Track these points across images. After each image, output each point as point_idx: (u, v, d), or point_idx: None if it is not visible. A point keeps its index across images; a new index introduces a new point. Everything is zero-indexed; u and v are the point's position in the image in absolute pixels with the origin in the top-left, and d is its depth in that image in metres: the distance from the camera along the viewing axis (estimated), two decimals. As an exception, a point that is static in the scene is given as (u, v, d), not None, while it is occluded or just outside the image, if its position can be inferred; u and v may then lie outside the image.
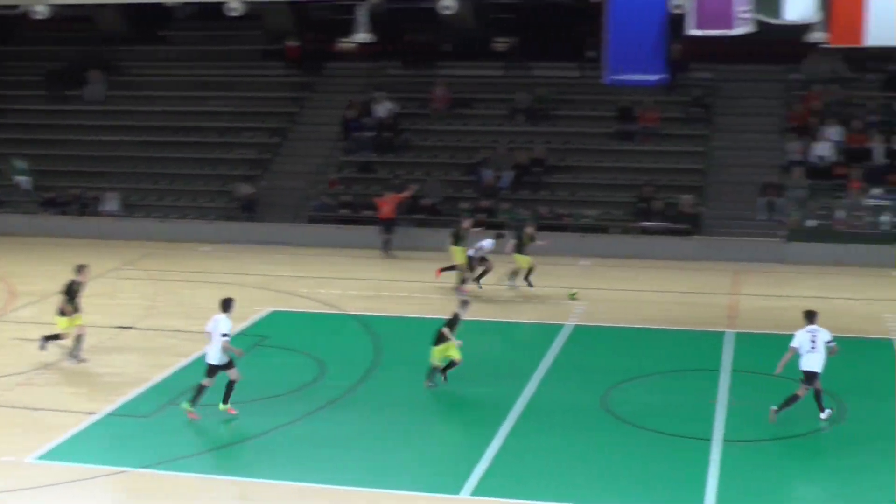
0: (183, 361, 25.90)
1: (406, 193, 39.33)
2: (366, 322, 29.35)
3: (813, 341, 21.98)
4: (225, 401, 22.25)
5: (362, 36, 37.30)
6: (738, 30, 29.74)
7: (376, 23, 38.43)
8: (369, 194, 41.50)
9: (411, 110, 45.69)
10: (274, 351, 26.75)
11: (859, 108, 42.59)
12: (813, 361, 22.00)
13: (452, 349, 23.68)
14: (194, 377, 24.50)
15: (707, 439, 21.00)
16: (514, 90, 44.99)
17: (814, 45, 33.96)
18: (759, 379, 24.64)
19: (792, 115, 42.43)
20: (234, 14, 37.36)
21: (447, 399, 23.43)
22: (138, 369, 25.35)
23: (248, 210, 41.86)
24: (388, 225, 38.72)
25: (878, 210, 37.61)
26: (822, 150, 40.27)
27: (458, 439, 21.21)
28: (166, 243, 40.27)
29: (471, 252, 33.06)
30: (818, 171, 39.98)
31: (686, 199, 39.07)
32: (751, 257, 37.04)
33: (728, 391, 23.81)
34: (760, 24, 29.77)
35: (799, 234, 37.64)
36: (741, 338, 27.89)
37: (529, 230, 33.77)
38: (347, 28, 42.58)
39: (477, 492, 18.83)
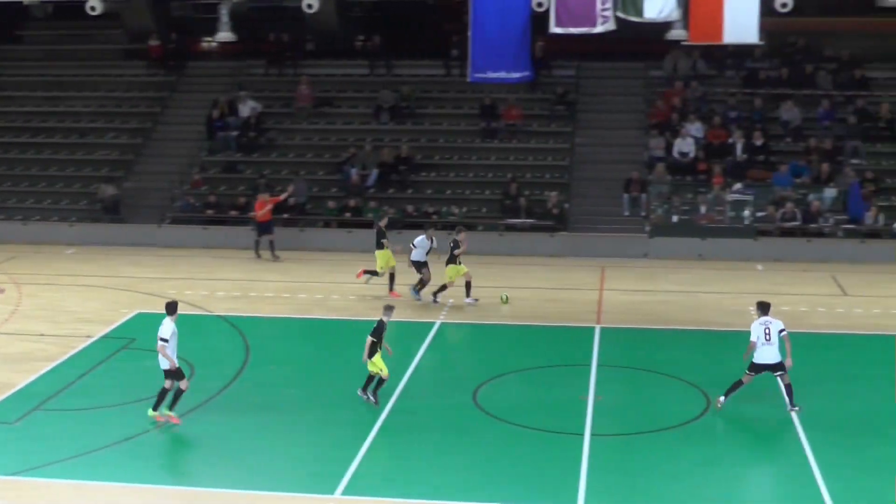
0: (49, 366, 25.40)
1: (283, 196, 38.85)
2: (234, 323, 29.10)
3: (767, 333, 22.25)
4: (155, 406, 21.84)
5: (224, 35, 36.85)
6: (600, 28, 30.10)
7: (239, 21, 38.06)
8: (235, 194, 41.17)
9: (276, 109, 45.43)
10: (142, 354, 26.32)
11: (719, 104, 43.36)
12: (766, 354, 22.27)
13: (380, 362, 22.87)
14: (60, 381, 24.16)
15: (580, 434, 21.20)
16: (378, 88, 44.96)
17: (674, 43, 34.47)
18: (625, 373, 24.97)
19: (653, 111, 43.04)
20: (94, 13, 36.69)
21: (319, 399, 23.32)
22: (2, 375, 24.79)
23: (113, 211, 41.23)
24: (265, 227, 37.82)
25: (740, 205, 38.29)
26: (684, 146, 40.92)
27: (331, 439, 21.09)
28: (30, 246, 39.47)
29: (415, 256, 31.77)
30: (681, 167, 40.64)
31: (551, 196, 39.38)
32: (616, 253, 37.49)
33: (596, 386, 24.04)
34: (622, 21, 30.17)
35: (662, 230, 38.20)
36: (608, 333, 28.19)
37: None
38: (209, 27, 42.25)
39: (348, 491, 18.80)
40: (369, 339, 22.66)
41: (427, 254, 31.68)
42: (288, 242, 38.79)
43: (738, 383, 22.37)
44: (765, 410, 22.69)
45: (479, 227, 39.17)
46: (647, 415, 22.21)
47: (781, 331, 22.38)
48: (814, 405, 22.83)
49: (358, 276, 32.47)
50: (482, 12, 30.32)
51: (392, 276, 32.37)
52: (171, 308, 22.12)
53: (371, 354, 22.62)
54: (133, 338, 27.59)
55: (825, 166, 39.32)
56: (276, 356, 26.30)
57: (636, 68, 45.75)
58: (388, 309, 23.39)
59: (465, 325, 29.40)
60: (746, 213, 38.25)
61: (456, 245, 31.10)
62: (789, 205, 38.11)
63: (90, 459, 20.18)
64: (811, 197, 38.49)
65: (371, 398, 22.75)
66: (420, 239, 31.84)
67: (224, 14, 36.39)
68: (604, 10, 29.84)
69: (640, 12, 29.88)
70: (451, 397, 23.35)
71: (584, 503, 18.38)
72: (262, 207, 37.61)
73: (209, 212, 40.49)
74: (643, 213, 39.41)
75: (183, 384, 21.80)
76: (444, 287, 31.18)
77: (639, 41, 42.91)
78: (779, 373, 22.39)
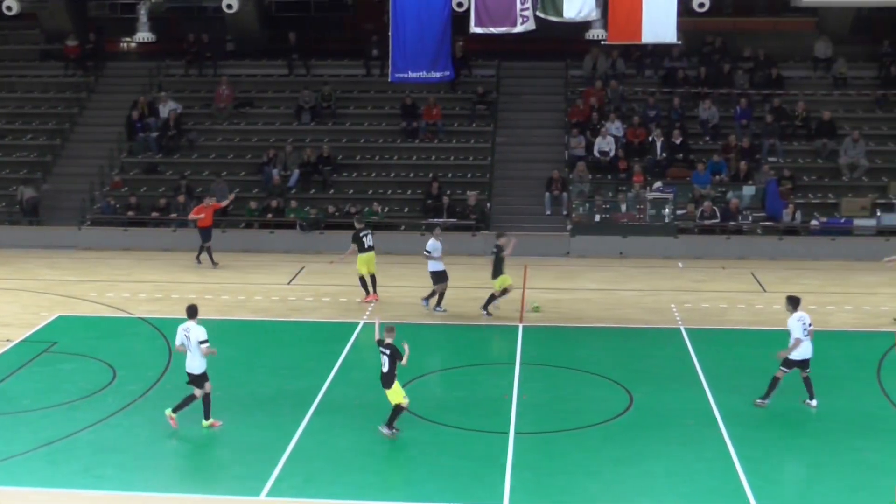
0: (-35, 371, 25.12)
1: (226, 202, 38.20)
2: (156, 325, 28.90)
3: (805, 328, 22.62)
4: (176, 409, 21.69)
5: (143, 35, 36.62)
6: (520, 28, 30.28)
7: (157, 21, 37.83)
8: (155, 195, 40.86)
9: (196, 110, 45.16)
10: (63, 357, 26.12)
11: (639, 103, 43.73)
12: (806, 349, 22.64)
13: (401, 390, 21.45)
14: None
15: (504, 433, 21.31)
16: (299, 89, 44.84)
17: (594, 42, 34.71)
18: (548, 371, 25.13)
19: (573, 110, 43.29)
20: (10, 13, 36.31)
21: (242, 401, 23.23)
22: (-81, 381, 24.50)
23: (31, 214, 40.76)
24: (207, 233, 36.58)
25: (660, 203, 38.60)
26: (605, 145, 41.19)
27: (255, 441, 21.03)
28: (-55, 249, 38.99)
29: (435, 266, 30.49)
30: (601, 166, 40.92)
31: (471, 195, 39.48)
32: (538, 251, 37.64)
33: (519, 384, 24.16)
34: (541, 21, 30.36)
35: (584, 228, 38.43)
36: (530, 331, 28.34)
37: None
38: (128, 27, 41.95)
39: (272, 493, 18.78)
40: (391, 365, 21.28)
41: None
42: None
43: (775, 381, 22.73)
44: (687, 405, 22.94)
45: (401, 227, 39.22)
46: (570, 413, 22.38)
47: (810, 325, 22.81)
48: (734, 401, 23.15)
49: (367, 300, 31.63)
50: (402, 12, 30.39)
51: (371, 278, 31.71)
52: (193, 311, 21.95)
53: (392, 383, 21.36)
54: (54, 341, 27.32)
55: (743, 164, 39.77)
56: (199, 358, 26.13)
57: (556, 68, 46.02)
58: (391, 330, 21.57)
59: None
60: (666, 211, 38.56)
61: (500, 250, 30.29)
62: (708, 203, 38.50)
63: (7, 465, 19.96)
64: (730, 195, 38.90)
65: (393, 430, 21.30)
66: (431, 243, 30.59)
67: (143, 14, 36.21)
68: (523, 10, 30.01)
69: (559, 12, 30.09)
70: (374, 397, 23.32)
71: (509, 502, 18.48)
72: (205, 212, 36.36)
73: (130, 213, 40.15)
74: (564, 212, 39.64)
75: (198, 392, 21.67)
76: (492, 298, 30.17)
77: (558, 41, 43.33)
78: (806, 368, 22.80)
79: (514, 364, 25.60)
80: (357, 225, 32.30)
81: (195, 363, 21.69)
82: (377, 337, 21.88)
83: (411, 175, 41.72)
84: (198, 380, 21.71)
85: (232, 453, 20.59)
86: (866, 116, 43.04)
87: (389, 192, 41.12)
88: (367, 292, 31.69)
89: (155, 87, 45.90)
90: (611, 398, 23.35)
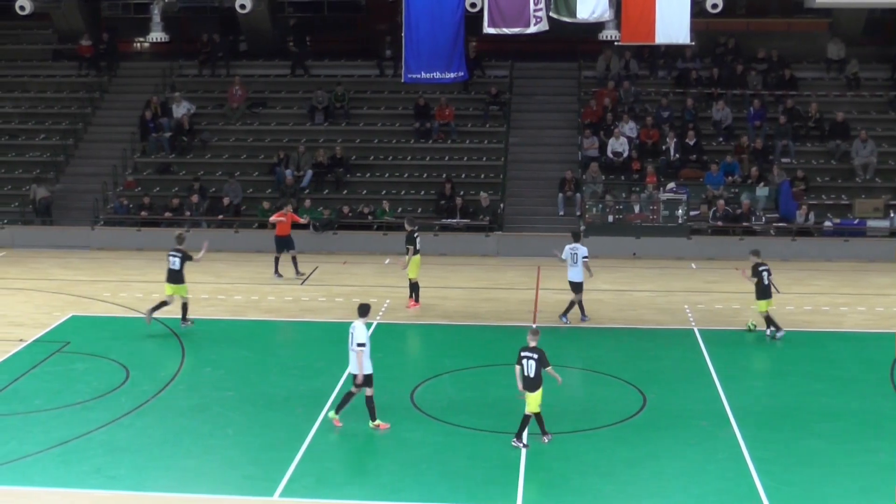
0: (-22, 370, 25.20)
1: (301, 219, 36.28)
2: (169, 325, 28.92)
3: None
4: (372, 417, 21.71)
5: (156, 35, 36.69)
6: (534, 28, 30.28)
7: (170, 22, 37.89)
8: (168, 196, 40.91)
9: (209, 110, 45.21)
10: (76, 357, 26.17)
11: (652, 104, 43.68)
12: None
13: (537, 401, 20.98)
14: (-7, 386, 23.96)
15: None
16: (312, 89, 44.86)
17: (607, 43, 34.71)
18: (561, 372, 25.03)
19: (587, 111, 43.25)
20: (23, 13, 36.41)
21: (255, 401, 23.24)
22: (-68, 380, 24.55)
23: (44, 213, 40.83)
24: (285, 241, 34.87)
25: (673, 204, 38.55)
26: (618, 145, 41.16)
27: (268, 441, 21.05)
28: (-41, 249, 39.11)
29: (573, 277, 29.47)
30: (614, 167, 40.90)
31: (484, 196, 39.47)
32: (551, 252, 37.49)
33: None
34: (555, 22, 30.35)
35: (597, 229, 38.36)
36: (544, 332, 28.20)
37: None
38: (141, 27, 42.04)
39: (285, 493, 18.80)
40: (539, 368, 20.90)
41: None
42: (222, 244, 38.62)
43: None
44: (700, 406, 22.93)
45: (417, 228, 39.17)
46: (583, 413, 22.36)
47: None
48: (747, 402, 23.13)
49: (410, 307, 31.21)
50: (415, 13, 30.39)
51: (415, 284, 31.24)
52: (364, 310, 21.80)
53: (537, 388, 20.89)
54: (67, 341, 27.37)
55: (754, 170, 39.67)
56: (212, 358, 26.17)
57: (569, 68, 45.99)
58: (535, 334, 21.33)
59: (402, 326, 29.41)
60: (680, 211, 38.51)
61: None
62: (720, 203, 38.44)
63: (20, 465, 20.00)
64: (743, 196, 38.84)
65: (521, 442, 20.90)
66: (573, 246, 29.73)
67: (156, 14, 36.28)
68: (536, 10, 30.01)
69: (572, 13, 30.09)
70: (387, 398, 23.34)
71: (522, 503, 18.48)
72: (285, 219, 34.82)
73: (143, 213, 40.20)
74: (577, 213, 39.60)
75: (368, 391, 21.60)
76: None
77: (571, 41, 43.38)
78: None
79: (526, 365, 25.57)
80: (408, 227, 31.54)
81: (364, 363, 21.47)
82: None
83: (424, 175, 41.72)
84: (368, 380, 21.55)
85: (244, 453, 20.59)
86: (879, 118, 42.95)
87: (402, 192, 41.11)
88: (416, 299, 31.10)
89: (168, 87, 45.95)
90: (624, 399, 23.35)
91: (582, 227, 38.04)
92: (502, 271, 35.49)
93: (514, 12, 30.20)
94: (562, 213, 39.85)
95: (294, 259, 34.65)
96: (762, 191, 39.17)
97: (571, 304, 29.49)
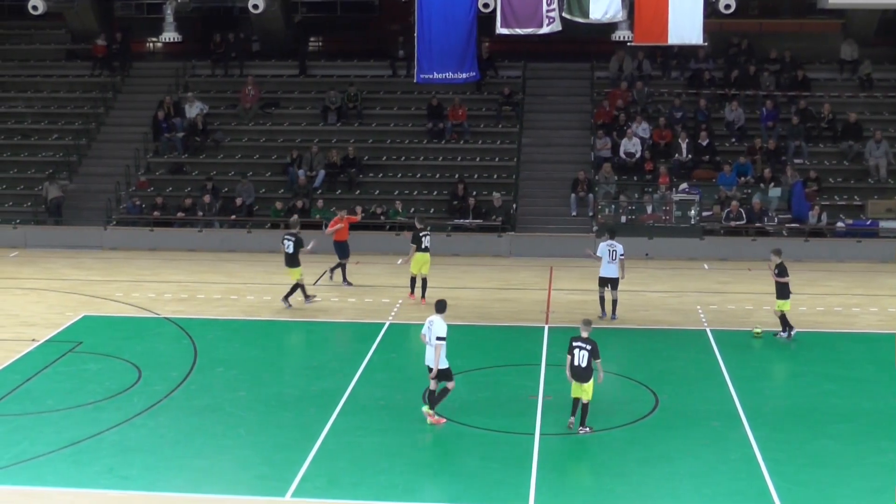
0: (-8, 369, 25.25)
1: (356, 217, 35.98)
2: (181, 325, 28.97)
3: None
4: (432, 405, 22.01)
5: (169, 35, 36.75)
6: (546, 29, 30.28)
7: (183, 22, 37.94)
8: (181, 196, 40.95)
9: (222, 110, 45.26)
10: (88, 357, 26.21)
11: (665, 104, 43.65)
12: None
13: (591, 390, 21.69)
14: (5, 387, 23.98)
15: (530, 434, 21.30)
16: (325, 89, 44.88)
17: (620, 43, 34.68)
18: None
19: (599, 111, 43.22)
20: (36, 13, 36.49)
21: (268, 401, 23.26)
22: (-54, 379, 24.60)
23: (56, 213, 40.90)
24: (345, 248, 34.07)
25: (686, 204, 38.52)
26: (631, 146, 41.13)
27: (280, 441, 21.06)
28: (-28, 249, 39.16)
29: (608, 273, 29.45)
30: (627, 167, 40.87)
31: (496, 197, 39.45)
32: (564, 252, 37.60)
33: (545, 385, 24.13)
34: (567, 22, 30.35)
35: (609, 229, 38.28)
36: (556, 332, 28.28)
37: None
38: (154, 27, 42.11)
39: (297, 493, 18.81)
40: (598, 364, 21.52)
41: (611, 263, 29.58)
42: (235, 244, 38.75)
43: None
44: (712, 406, 22.90)
45: (428, 228, 39.14)
46: (596, 413, 22.30)
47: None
48: (760, 402, 23.10)
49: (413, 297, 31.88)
50: (428, 13, 30.40)
51: (422, 281, 31.70)
52: (441, 306, 22.18)
53: (590, 378, 21.50)
54: (80, 341, 27.41)
55: (767, 171, 39.61)
56: (224, 358, 26.19)
57: (582, 69, 45.97)
58: (588, 324, 21.90)
59: (414, 326, 29.36)
60: (692, 212, 38.49)
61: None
62: (734, 204, 38.39)
63: (32, 465, 20.03)
64: (755, 197, 38.78)
65: (586, 428, 21.56)
66: (600, 245, 29.99)
67: (169, 14, 36.33)
68: (549, 11, 30.01)
69: (585, 13, 30.08)
70: (400, 398, 23.37)
71: (535, 503, 18.46)
72: (336, 225, 33.91)
73: (155, 213, 40.26)
74: (590, 213, 39.59)
75: (450, 385, 21.97)
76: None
77: (584, 42, 43.37)
78: None
79: (539, 365, 25.58)
80: (418, 225, 32.25)
81: (438, 357, 21.82)
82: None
83: (437, 176, 41.73)
84: (444, 374, 21.89)
85: (257, 453, 20.59)
86: (892, 118, 42.87)
87: (415, 192, 41.12)
88: (412, 291, 31.82)
89: (181, 88, 46.01)
90: (636, 399, 23.33)
91: (595, 228, 38.05)
92: (515, 272, 35.46)
93: (526, 13, 30.20)
94: (574, 213, 39.84)
95: (343, 267, 33.95)
96: (774, 191, 39.12)
97: (613, 303, 29.67)
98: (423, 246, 31.43)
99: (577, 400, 21.53)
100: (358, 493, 18.77)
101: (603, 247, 29.67)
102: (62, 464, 20.05)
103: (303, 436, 21.24)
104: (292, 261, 30.77)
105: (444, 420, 21.95)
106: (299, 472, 19.58)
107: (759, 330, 28.26)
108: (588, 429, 21.49)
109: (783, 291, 27.80)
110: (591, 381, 21.44)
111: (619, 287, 29.65)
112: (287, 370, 25.43)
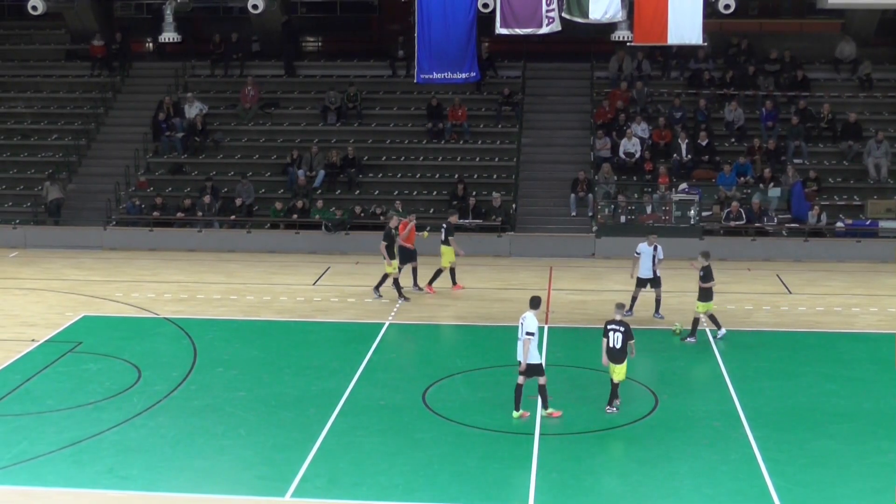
0: (-8, 369, 25.25)
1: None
2: (181, 325, 28.97)
3: None
4: (544, 404, 22.23)
5: (169, 35, 36.72)
6: (546, 29, 30.28)
7: (183, 22, 37.90)
8: (181, 196, 40.94)
9: (221, 110, 45.24)
10: (88, 357, 26.21)
11: (664, 104, 43.65)
12: None
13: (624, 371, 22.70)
14: (4, 387, 23.97)
15: (529, 434, 21.31)
16: (325, 89, 44.87)
17: (620, 43, 34.66)
18: (573, 372, 25.11)
19: (599, 111, 43.22)
20: (36, 13, 36.46)
21: (267, 401, 23.26)
22: (-54, 379, 24.59)
23: (56, 214, 40.89)
24: (414, 252, 32.94)
25: (686, 204, 38.51)
26: (630, 146, 41.13)
27: (280, 441, 21.06)
28: (-29, 249, 39.15)
29: (641, 272, 29.48)
30: (627, 167, 40.87)
31: (496, 197, 39.45)
32: (563, 252, 37.62)
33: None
34: (567, 22, 30.35)
35: (609, 229, 38.34)
36: (556, 332, 28.29)
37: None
38: (154, 27, 42.07)
39: (297, 493, 18.82)
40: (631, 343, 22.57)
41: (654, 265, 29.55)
42: (235, 244, 38.75)
43: None
44: (712, 407, 22.91)
45: (427, 228, 39.16)
46: (595, 414, 22.33)
47: None
48: (760, 402, 23.11)
49: (430, 290, 32.70)
50: (428, 13, 30.40)
51: (451, 271, 33.01)
52: (535, 302, 22.26)
53: (623, 359, 22.54)
54: (79, 341, 27.41)
55: (767, 171, 39.59)
56: (224, 359, 26.18)
57: (581, 69, 45.96)
58: (622, 307, 23.29)
59: (414, 326, 29.41)
60: (692, 212, 38.49)
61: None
62: (734, 204, 38.39)
63: (32, 465, 20.03)
64: (754, 197, 38.77)
65: (612, 408, 22.58)
66: (641, 245, 29.70)
67: (168, 14, 36.27)
68: (549, 11, 30.00)
69: (585, 13, 30.07)
70: (399, 398, 23.38)
71: (534, 503, 18.47)
72: (405, 228, 33.04)
73: (155, 214, 40.24)
74: (590, 213, 39.58)
75: (542, 379, 22.12)
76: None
77: (584, 42, 43.37)
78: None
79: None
80: (452, 219, 33.47)
81: (533, 353, 21.99)
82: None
83: (437, 176, 41.72)
84: (534, 370, 22.06)
85: (257, 453, 20.59)
86: (892, 118, 42.86)
87: (415, 192, 41.10)
88: (455, 282, 33.15)
89: (180, 88, 46.01)
90: (636, 400, 23.30)
91: (594, 228, 38.08)
92: (515, 272, 35.46)
93: (526, 13, 30.20)
94: (574, 213, 39.84)
95: (414, 270, 33.09)
96: (774, 191, 39.12)
97: (658, 301, 29.76)
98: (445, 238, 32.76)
99: (616, 385, 22.52)
100: (358, 493, 18.79)
101: (645, 247, 29.52)
102: (62, 464, 20.06)
103: (303, 436, 21.25)
104: (389, 252, 31.40)
105: (560, 413, 22.20)
106: (299, 472, 19.59)
107: (678, 327, 28.31)
108: (614, 409, 22.27)
109: (705, 294, 27.73)
110: (624, 364, 22.37)
111: (619, 288, 29.66)
112: (287, 370, 25.41)
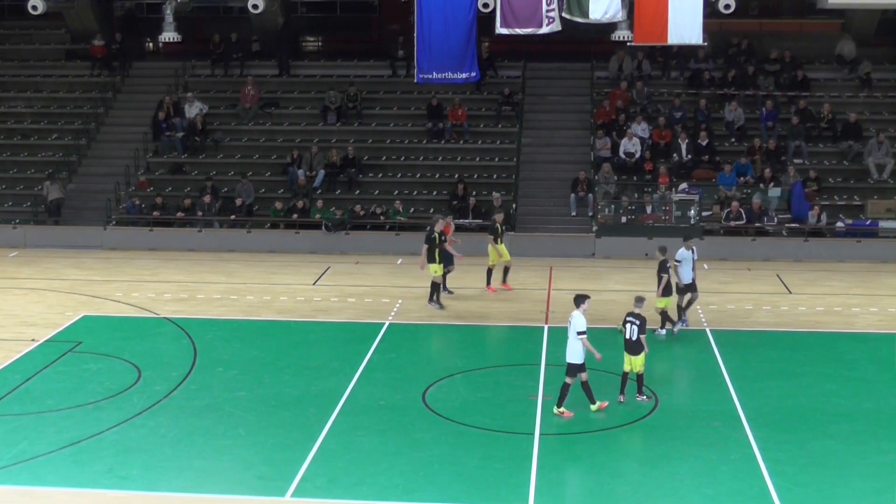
0: (-8, 368, 25.24)
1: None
2: (181, 324, 28.96)
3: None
4: (559, 403, 22.30)
5: (169, 35, 36.70)
6: (546, 29, 30.28)
7: (183, 22, 37.89)
8: (181, 196, 40.93)
9: (221, 110, 45.23)
10: (88, 357, 26.20)
11: (664, 104, 43.64)
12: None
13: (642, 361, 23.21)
14: (4, 387, 23.96)
15: (530, 434, 21.30)
16: (324, 89, 44.86)
17: (620, 43, 34.66)
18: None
19: (599, 111, 43.21)
20: (36, 13, 36.45)
21: (267, 401, 23.25)
22: (-54, 379, 24.58)
23: (56, 213, 40.87)
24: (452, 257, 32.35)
25: (686, 204, 38.51)
26: (630, 146, 41.13)
27: (280, 441, 21.05)
28: (-29, 249, 39.13)
29: (684, 278, 28.28)
30: (627, 167, 40.87)
31: (496, 197, 39.42)
32: (563, 252, 37.63)
33: (545, 385, 24.12)
34: (567, 22, 30.35)
35: (609, 229, 38.34)
36: (556, 332, 28.26)
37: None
38: (154, 27, 42.05)
39: (297, 493, 18.80)
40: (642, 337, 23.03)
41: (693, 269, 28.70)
42: (235, 244, 38.74)
43: None
44: (712, 407, 22.90)
45: (427, 228, 39.14)
46: (595, 414, 22.32)
47: None
48: (760, 402, 23.10)
49: (492, 290, 32.65)
50: (427, 13, 30.39)
51: (501, 270, 33.03)
52: (579, 300, 22.38)
53: (640, 351, 23.10)
54: (79, 341, 27.40)
55: (768, 171, 39.60)
56: (224, 358, 26.17)
57: (582, 69, 45.97)
58: (640, 301, 23.66)
59: (414, 326, 29.39)
60: (692, 212, 38.49)
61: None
62: (735, 204, 38.39)
63: (32, 464, 20.02)
64: (755, 197, 38.77)
65: (643, 396, 23.18)
66: (681, 251, 28.58)
67: (168, 14, 36.26)
68: (549, 11, 30.00)
69: (585, 13, 30.08)
70: (400, 398, 23.37)
71: (534, 503, 18.46)
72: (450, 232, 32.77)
73: (155, 213, 40.22)
74: (590, 213, 39.58)
75: (569, 380, 22.20)
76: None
77: (584, 42, 43.37)
78: None
79: (539, 365, 25.57)
80: (498, 218, 33.62)
81: (573, 352, 22.09)
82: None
83: (437, 176, 41.72)
84: (574, 369, 22.14)
85: (257, 453, 20.58)
86: (892, 118, 42.86)
87: (415, 192, 41.10)
88: (504, 280, 33.20)
89: (180, 88, 46.00)
90: (636, 399, 23.28)
91: (594, 228, 38.07)
92: (515, 271, 35.35)
93: (526, 13, 30.20)
94: (574, 213, 39.84)
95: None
96: (774, 191, 39.12)
97: (688, 304, 28.77)
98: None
99: (625, 374, 23.04)
100: (358, 493, 18.77)
101: (684, 252, 28.50)
102: (62, 464, 20.04)
103: (303, 436, 21.23)
104: (429, 256, 30.91)
105: (571, 414, 22.23)
106: (299, 472, 19.58)
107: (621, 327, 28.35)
108: (645, 397, 23.03)
109: (666, 290, 27.81)
110: (642, 355, 22.94)
111: (619, 287, 29.65)
112: (287, 370, 25.39)
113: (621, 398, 22.91)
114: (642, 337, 22.88)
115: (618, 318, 29.34)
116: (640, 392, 23.07)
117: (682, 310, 28.66)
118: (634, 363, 22.95)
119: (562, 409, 22.19)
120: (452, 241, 32.43)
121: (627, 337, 23.01)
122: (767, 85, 43.65)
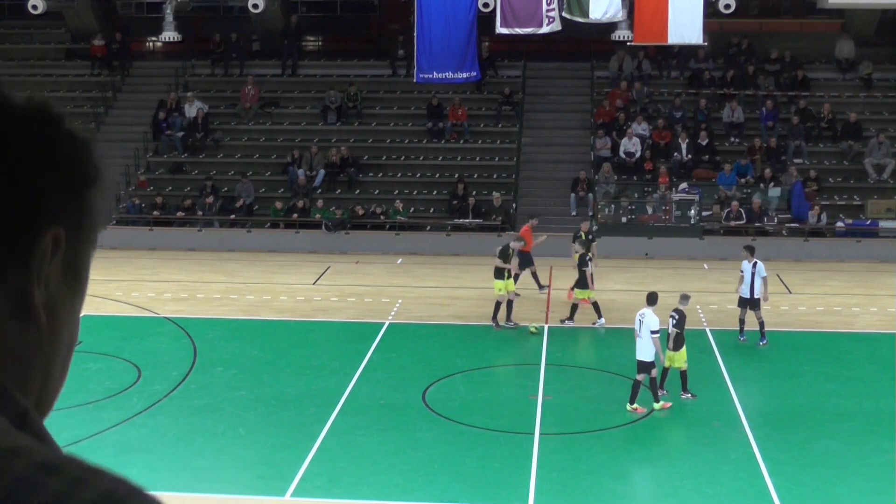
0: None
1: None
2: (181, 324, 28.97)
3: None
4: (632, 400, 22.36)
5: (169, 34, 36.73)
6: (546, 28, 30.34)
7: (183, 21, 37.92)
8: (181, 195, 40.94)
9: (221, 110, 45.25)
10: (88, 356, 26.14)
11: (664, 104, 43.66)
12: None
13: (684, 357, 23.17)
14: None
15: (529, 434, 21.30)
16: (324, 89, 44.88)
17: (620, 43, 34.70)
18: (573, 372, 25.10)
19: (599, 111, 43.22)
20: (36, 12, 36.48)
21: (267, 400, 23.26)
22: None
23: (56, 213, 40.82)
24: (531, 256, 32.64)
25: (686, 204, 38.54)
26: (630, 146, 41.15)
27: (280, 441, 21.06)
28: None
29: (744, 291, 27.45)
30: (627, 167, 40.88)
31: (496, 196, 39.45)
32: (563, 252, 37.42)
33: (545, 385, 24.14)
34: (567, 22, 30.39)
35: (609, 229, 38.34)
36: (555, 332, 28.29)
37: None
38: (154, 26, 42.07)
39: (297, 493, 18.80)
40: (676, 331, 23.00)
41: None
42: (235, 243, 38.75)
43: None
44: (712, 407, 22.91)
45: (427, 228, 39.24)
46: (595, 414, 22.34)
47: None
48: (760, 402, 23.12)
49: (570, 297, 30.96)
50: (428, 13, 30.45)
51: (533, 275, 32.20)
52: (652, 298, 22.70)
53: (681, 346, 23.06)
54: (79, 340, 27.20)
55: (768, 171, 39.63)
56: (224, 358, 26.18)
57: (582, 68, 45.96)
58: (685, 298, 23.94)
59: (414, 326, 29.40)
60: (692, 212, 38.51)
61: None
62: (734, 204, 38.40)
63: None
64: (755, 197, 38.79)
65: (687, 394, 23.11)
66: (743, 263, 27.97)
67: (168, 13, 36.33)
68: (549, 10, 30.06)
69: (585, 13, 30.16)
70: (400, 398, 23.37)
71: (534, 503, 18.46)
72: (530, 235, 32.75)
73: (155, 213, 40.24)
74: (590, 213, 39.56)
75: (640, 377, 22.30)
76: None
77: (584, 41, 43.36)
78: None
79: (539, 365, 25.57)
80: (532, 222, 33.11)
81: (644, 350, 22.15)
82: None
83: (437, 175, 41.74)
84: (646, 366, 22.18)
85: (257, 453, 20.59)
86: (892, 118, 42.88)
87: (415, 192, 41.12)
88: (541, 285, 32.38)
89: (181, 87, 46.00)
90: (681, 398, 23.29)
91: (594, 228, 38.07)
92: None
93: (526, 12, 30.26)
94: (574, 213, 39.80)
95: (534, 274, 32.54)
96: (774, 191, 39.14)
97: (761, 325, 27.43)
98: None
99: (666, 370, 22.93)
100: (358, 493, 18.77)
101: (749, 266, 27.59)
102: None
103: (302, 435, 21.23)
104: (497, 273, 29.03)
105: (644, 410, 22.27)
106: (299, 471, 19.57)
107: (535, 327, 28.33)
108: (689, 394, 22.91)
109: (582, 282, 28.23)
110: (683, 350, 22.87)
111: (619, 287, 29.61)
112: (287, 370, 25.40)
113: (684, 395, 22.94)
114: (654, 337, 22.42)
115: (617, 319, 29.49)
116: (684, 390, 22.99)
117: (741, 322, 27.62)
118: (675, 359, 22.89)
119: (635, 406, 22.22)
120: (539, 242, 32.57)
121: (669, 332, 22.93)
122: (767, 85, 43.67)
